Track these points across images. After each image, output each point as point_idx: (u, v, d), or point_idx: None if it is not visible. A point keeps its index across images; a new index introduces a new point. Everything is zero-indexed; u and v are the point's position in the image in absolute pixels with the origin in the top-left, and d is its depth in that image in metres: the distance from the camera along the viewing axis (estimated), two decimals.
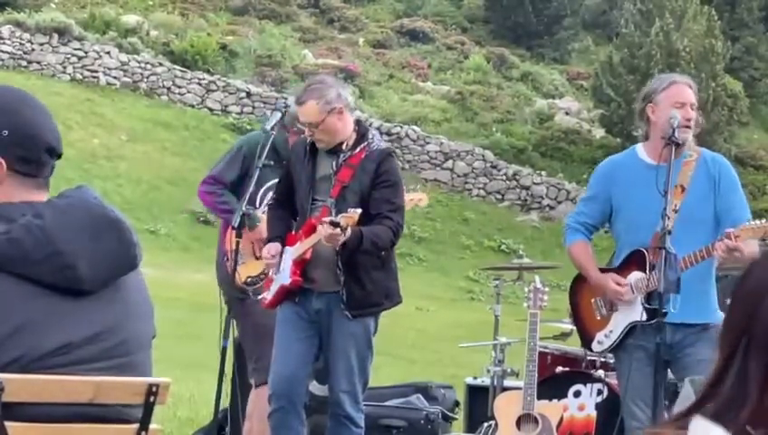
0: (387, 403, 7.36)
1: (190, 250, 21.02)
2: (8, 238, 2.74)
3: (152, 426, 2.87)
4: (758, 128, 32.54)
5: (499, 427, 6.45)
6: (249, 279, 6.11)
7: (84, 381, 2.75)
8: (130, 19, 29.02)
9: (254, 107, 27.33)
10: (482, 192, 27.17)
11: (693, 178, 5.24)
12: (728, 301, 6.09)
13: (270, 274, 5.62)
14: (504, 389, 6.94)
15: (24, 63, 26.50)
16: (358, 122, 5.54)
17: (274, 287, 5.53)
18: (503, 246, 24.54)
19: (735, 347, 1.82)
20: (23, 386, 2.65)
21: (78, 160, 23.23)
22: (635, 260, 5.26)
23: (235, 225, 5.63)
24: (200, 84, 27.40)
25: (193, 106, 27.19)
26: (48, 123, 3.00)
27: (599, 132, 29.51)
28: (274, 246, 5.47)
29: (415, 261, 23.51)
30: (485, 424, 6.77)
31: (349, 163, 5.40)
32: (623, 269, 5.32)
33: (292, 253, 5.44)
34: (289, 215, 5.60)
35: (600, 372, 6.58)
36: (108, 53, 26.94)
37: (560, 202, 26.90)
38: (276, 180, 5.99)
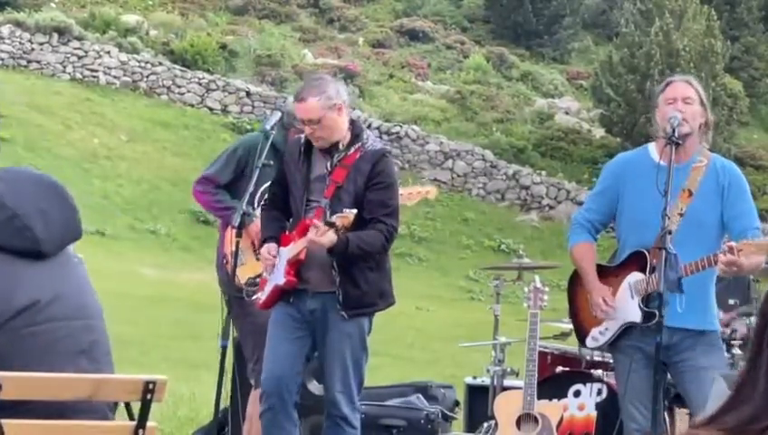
0: (386, 403, 7.35)
1: (190, 250, 21.02)
2: None
3: (149, 423, 2.87)
4: (758, 128, 32.54)
5: (499, 427, 6.44)
6: (249, 280, 6.10)
7: (82, 378, 2.75)
8: (130, 19, 29.01)
9: (253, 106, 27.33)
10: (482, 192, 27.17)
11: (701, 183, 5.20)
12: (730, 301, 6.06)
13: (264, 274, 5.60)
14: (504, 388, 6.94)
15: (24, 63, 26.49)
16: (352, 122, 5.52)
17: (268, 287, 5.51)
18: (503, 246, 24.53)
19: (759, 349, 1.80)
20: (20, 383, 2.65)
21: (78, 160, 23.24)
22: (635, 261, 5.25)
23: (236, 224, 5.63)
24: (200, 84, 27.40)
25: (193, 106, 27.19)
26: None
27: (598, 132, 29.51)
28: (273, 247, 5.46)
29: (415, 261, 23.51)
30: (485, 424, 6.77)
31: (343, 163, 5.38)
32: (623, 269, 5.31)
33: (286, 253, 5.43)
34: (283, 215, 5.57)
35: (600, 372, 6.58)
36: (108, 52, 26.94)
37: (560, 202, 26.90)
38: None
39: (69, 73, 26.62)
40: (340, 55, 30.78)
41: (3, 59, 26.25)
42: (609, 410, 6.29)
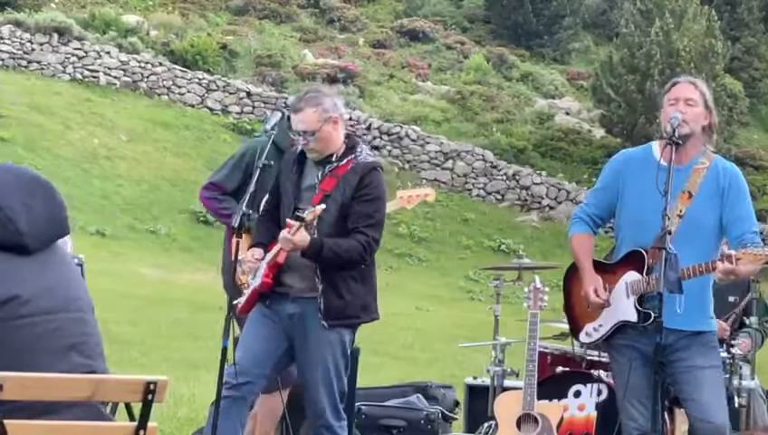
0: (387, 403, 7.36)
1: (190, 250, 21.02)
2: None
3: (150, 424, 2.87)
4: (758, 128, 32.54)
5: (499, 427, 6.45)
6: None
7: (82, 379, 2.75)
8: (130, 19, 29.01)
9: (254, 107, 27.33)
10: (482, 192, 27.17)
11: (701, 185, 5.19)
12: (730, 298, 6.06)
13: (248, 279, 5.59)
14: (504, 389, 6.94)
15: (24, 63, 26.49)
16: (348, 136, 5.53)
17: (248, 291, 5.50)
18: (503, 246, 24.53)
19: None
20: (21, 384, 2.65)
21: (78, 160, 23.23)
22: (633, 260, 5.25)
23: (236, 225, 5.62)
24: (200, 84, 27.40)
25: (193, 106, 27.19)
26: None
27: (599, 132, 29.50)
28: (258, 251, 5.46)
29: (415, 261, 23.51)
30: (485, 424, 6.77)
31: (334, 173, 5.39)
32: (620, 267, 5.31)
33: (267, 257, 5.43)
34: (276, 226, 5.55)
35: (601, 372, 6.58)
36: (108, 52, 26.93)
37: (560, 202, 26.90)
38: None
39: (69, 74, 26.61)
40: (341, 55, 30.78)
41: (3, 59, 26.25)
42: (610, 410, 6.28)
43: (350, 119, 27.42)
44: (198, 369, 10.23)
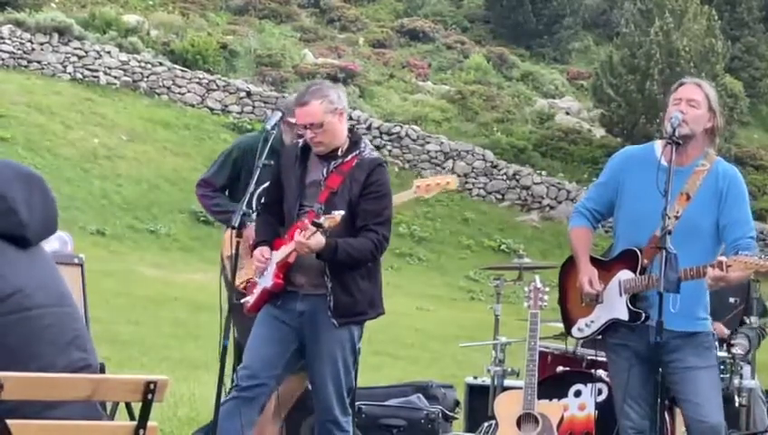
0: (387, 403, 7.35)
1: (190, 250, 21.02)
2: None
3: (150, 423, 2.87)
4: (758, 128, 32.54)
5: (499, 426, 6.45)
6: (248, 283, 6.11)
7: (83, 378, 2.75)
8: (131, 19, 29.01)
9: (254, 106, 27.34)
10: (482, 192, 27.17)
11: (700, 187, 5.18)
12: (730, 299, 6.04)
13: (254, 277, 5.58)
14: (505, 388, 6.94)
15: (25, 63, 26.49)
16: (351, 130, 5.52)
17: (257, 290, 5.50)
18: (503, 246, 24.54)
19: None
20: (21, 383, 2.65)
21: (78, 160, 23.23)
22: (628, 258, 5.25)
23: (236, 224, 5.62)
24: (200, 84, 27.40)
25: (193, 106, 27.19)
26: None
27: (599, 132, 29.51)
28: (266, 250, 5.44)
29: (415, 261, 23.51)
30: (486, 424, 6.77)
31: (339, 170, 5.38)
32: (615, 264, 5.32)
33: (276, 256, 5.42)
34: (277, 220, 5.54)
35: (601, 372, 6.58)
36: (108, 52, 26.93)
37: (560, 202, 26.90)
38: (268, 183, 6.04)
39: (69, 73, 26.61)
40: (341, 55, 30.78)
41: (3, 59, 26.25)
42: (610, 409, 6.28)
43: (351, 118, 27.44)
44: (198, 369, 10.23)
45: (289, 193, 5.46)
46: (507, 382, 7.03)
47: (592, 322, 5.37)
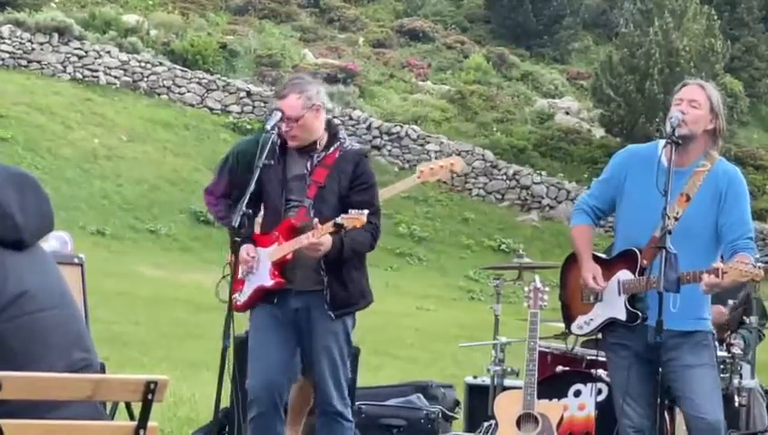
0: (387, 403, 7.36)
1: (190, 250, 21.02)
2: None
3: (150, 424, 2.87)
4: (758, 127, 32.54)
5: (499, 426, 6.45)
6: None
7: (82, 378, 2.75)
8: (130, 18, 29.00)
9: (254, 106, 27.33)
10: (482, 192, 27.16)
11: (700, 188, 5.17)
12: (729, 301, 6.03)
13: (241, 274, 5.58)
14: (505, 388, 6.94)
15: (25, 63, 26.48)
16: (329, 122, 5.55)
17: (248, 289, 5.47)
18: (503, 246, 24.53)
19: None
20: (21, 383, 2.65)
21: (78, 160, 23.23)
22: (627, 258, 5.26)
23: (236, 225, 5.63)
24: (200, 84, 27.40)
25: (193, 106, 27.18)
26: None
27: (599, 132, 29.50)
28: (251, 248, 5.45)
29: (415, 261, 23.51)
30: (486, 423, 6.78)
31: (323, 163, 5.41)
32: (614, 264, 5.32)
33: (270, 254, 5.41)
34: (252, 215, 5.57)
35: (601, 372, 6.58)
36: (108, 52, 26.93)
37: (560, 202, 26.90)
38: None
39: (69, 73, 26.61)
40: (341, 55, 30.78)
41: (3, 59, 26.25)
42: (610, 409, 6.29)
43: (351, 118, 27.44)
44: (198, 369, 10.23)
45: (270, 188, 5.45)
46: (507, 382, 7.04)
47: (591, 319, 5.38)
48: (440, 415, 7.32)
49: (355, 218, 5.11)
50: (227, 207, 6.27)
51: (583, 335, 5.58)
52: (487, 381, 7.17)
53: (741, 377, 6.49)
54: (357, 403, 6.85)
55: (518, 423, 6.33)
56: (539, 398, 6.35)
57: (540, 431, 6.29)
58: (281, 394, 5.47)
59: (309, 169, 5.42)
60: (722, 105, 5.30)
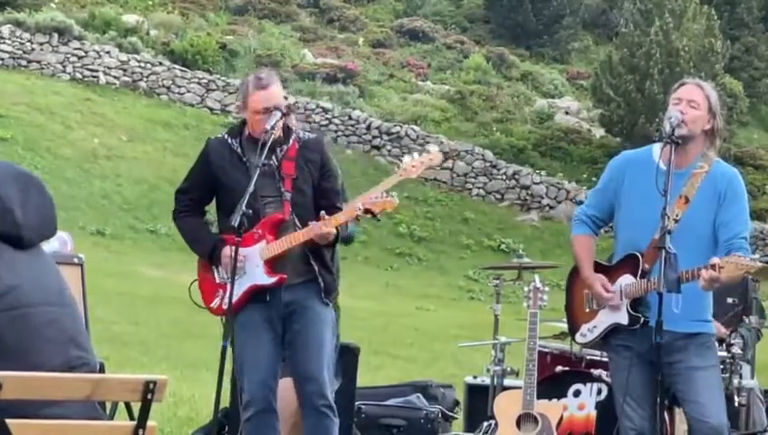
0: (386, 403, 7.36)
1: (190, 250, 20.98)
2: None
3: (149, 423, 2.88)
4: (758, 128, 32.54)
5: (499, 426, 6.45)
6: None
7: (82, 378, 2.75)
8: (130, 19, 29.01)
9: None
10: (482, 192, 27.16)
11: (699, 190, 5.15)
12: (728, 300, 5.98)
13: (220, 278, 5.54)
14: (504, 388, 6.94)
15: (24, 63, 26.49)
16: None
17: (238, 290, 5.39)
18: (502, 246, 24.53)
19: None
20: (20, 383, 2.65)
21: (78, 160, 23.23)
22: (629, 263, 5.25)
23: (236, 224, 5.62)
24: (200, 84, 27.40)
25: (193, 105, 27.19)
26: None
27: (598, 132, 29.51)
28: (230, 249, 5.37)
29: (414, 261, 23.51)
30: (485, 423, 6.78)
31: (287, 156, 5.44)
32: (616, 270, 5.30)
33: (261, 253, 5.40)
34: (204, 218, 5.59)
35: (601, 372, 6.58)
36: (108, 52, 26.93)
37: (559, 202, 26.90)
38: None
39: (69, 73, 26.61)
40: (340, 55, 30.78)
41: (3, 59, 26.25)
42: (609, 409, 6.29)
43: (350, 118, 27.45)
44: (198, 369, 10.23)
45: (238, 188, 5.34)
46: (507, 382, 7.04)
47: (595, 327, 5.37)
48: (440, 415, 7.32)
49: (387, 202, 5.18)
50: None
51: (587, 343, 5.57)
52: (487, 381, 7.17)
53: (740, 377, 6.49)
54: (357, 403, 6.85)
55: (518, 423, 6.34)
56: (539, 398, 6.35)
57: (540, 431, 6.29)
58: (273, 391, 5.46)
59: (276, 163, 5.41)
60: (719, 105, 5.29)
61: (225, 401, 6.43)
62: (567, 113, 30.79)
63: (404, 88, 30.47)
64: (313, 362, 5.40)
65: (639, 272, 5.17)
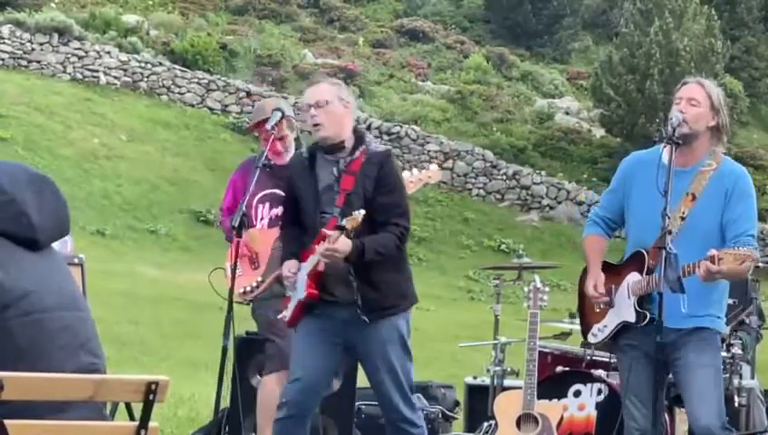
0: None
1: (190, 250, 21.02)
2: None
3: (151, 424, 2.88)
4: (758, 128, 32.54)
5: (499, 426, 6.45)
6: (243, 289, 6.13)
7: (83, 378, 2.75)
8: (130, 19, 29.01)
9: (253, 107, 27.29)
10: (482, 192, 27.16)
11: (706, 188, 5.14)
12: (729, 300, 5.94)
13: (288, 293, 5.55)
14: (504, 388, 6.95)
15: (24, 63, 26.49)
16: (355, 128, 5.52)
17: (292, 304, 5.47)
18: (503, 246, 24.53)
19: None
20: (22, 384, 2.65)
21: (78, 160, 23.23)
22: (636, 260, 5.25)
23: (236, 224, 5.64)
24: (200, 84, 27.39)
25: (193, 106, 27.18)
26: None
27: (598, 132, 29.51)
28: (293, 264, 5.42)
29: (415, 261, 23.49)
30: (485, 424, 6.78)
31: (349, 170, 5.36)
32: (625, 268, 5.31)
33: (305, 267, 5.40)
34: (300, 232, 5.52)
35: (601, 372, 6.58)
36: (108, 52, 26.93)
37: (559, 202, 26.89)
38: (272, 189, 6.13)
39: (69, 73, 26.61)
40: (340, 55, 30.78)
41: (3, 59, 26.24)
42: (610, 410, 6.29)
43: None
44: (198, 369, 10.24)
45: (305, 203, 5.43)
46: (507, 382, 7.04)
47: (605, 326, 5.37)
48: (440, 415, 7.32)
49: (352, 219, 5.11)
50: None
51: (598, 343, 5.55)
52: (487, 381, 7.17)
53: (741, 377, 6.48)
54: (357, 403, 6.85)
55: (518, 423, 6.34)
56: (539, 398, 6.35)
57: (540, 431, 6.30)
58: (312, 402, 5.44)
59: (336, 175, 5.39)
60: (723, 101, 5.27)
61: (226, 401, 6.43)
62: (567, 113, 30.79)
63: (404, 88, 30.47)
64: (378, 382, 5.41)
65: (645, 269, 5.17)
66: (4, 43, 26.33)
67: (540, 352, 6.57)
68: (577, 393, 6.58)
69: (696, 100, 5.17)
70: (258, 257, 6.21)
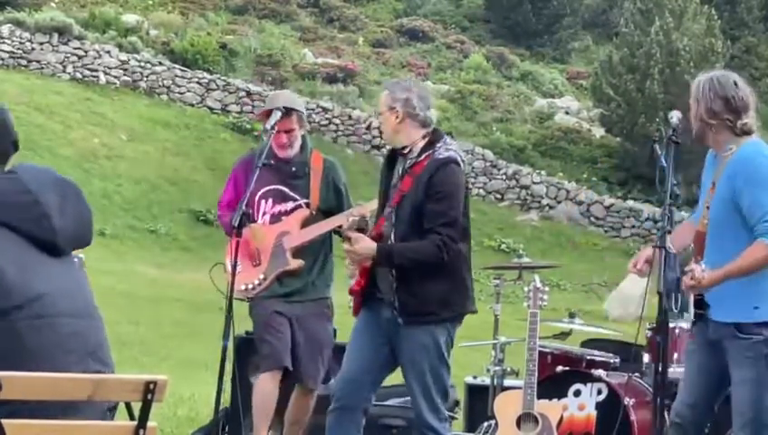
0: (386, 402, 7.35)
1: (190, 250, 21.03)
2: None
3: (150, 424, 2.88)
4: (758, 127, 32.51)
5: (499, 426, 6.45)
6: (244, 286, 6.13)
7: (83, 378, 2.76)
8: (130, 18, 29.01)
9: (253, 106, 27.30)
10: (482, 192, 27.16)
11: (721, 176, 5.07)
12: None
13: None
14: (504, 388, 6.95)
15: (24, 63, 26.48)
16: (435, 131, 5.45)
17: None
18: (503, 246, 24.53)
19: None
20: (21, 383, 2.65)
21: (78, 160, 23.23)
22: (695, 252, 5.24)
23: (236, 223, 5.63)
24: (200, 83, 27.39)
25: (193, 105, 27.18)
26: (11, 124, 3.33)
27: (598, 132, 29.50)
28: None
29: None
30: (485, 423, 6.78)
31: (411, 172, 5.35)
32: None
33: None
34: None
35: (601, 372, 6.59)
36: (108, 52, 26.92)
37: (559, 202, 26.88)
38: (275, 186, 6.10)
39: (69, 73, 26.61)
40: (340, 55, 30.78)
41: (3, 59, 26.24)
42: (610, 409, 6.30)
43: (350, 118, 27.45)
44: (198, 369, 10.23)
45: (380, 198, 5.54)
46: (507, 382, 7.04)
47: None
48: None
49: (362, 208, 5.25)
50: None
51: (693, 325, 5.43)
52: (487, 381, 7.17)
53: None
54: None
55: (518, 423, 6.34)
56: (539, 398, 6.35)
57: (540, 431, 6.30)
58: (361, 394, 5.47)
59: (399, 175, 5.43)
60: (709, 89, 5.05)
61: (226, 401, 6.43)
62: (567, 113, 30.79)
63: None
64: (408, 385, 5.45)
65: (693, 260, 5.14)
66: (3, 42, 26.33)
67: (540, 351, 6.57)
68: (577, 393, 6.59)
69: (690, 99, 5.19)
70: (259, 254, 6.21)
